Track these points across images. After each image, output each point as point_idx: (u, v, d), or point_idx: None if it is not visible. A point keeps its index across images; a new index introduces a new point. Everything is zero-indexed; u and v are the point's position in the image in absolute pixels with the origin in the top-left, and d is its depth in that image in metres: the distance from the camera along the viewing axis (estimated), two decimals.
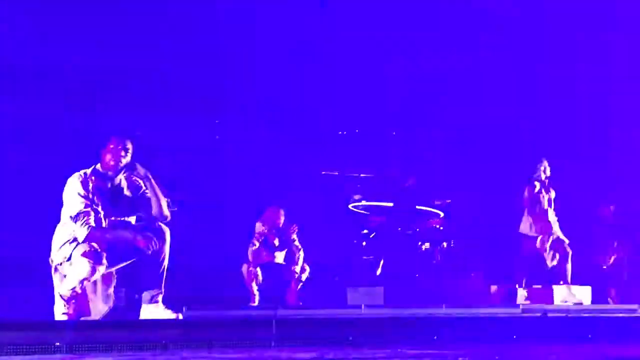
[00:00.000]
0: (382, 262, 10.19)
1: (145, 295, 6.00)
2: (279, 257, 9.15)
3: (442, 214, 10.71)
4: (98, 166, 6.02)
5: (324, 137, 11.37)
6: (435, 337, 5.68)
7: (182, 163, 9.98)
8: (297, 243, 9.07)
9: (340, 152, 11.37)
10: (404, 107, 11.35)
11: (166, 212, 6.02)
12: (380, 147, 11.46)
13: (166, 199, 6.05)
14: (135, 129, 7.97)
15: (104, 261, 5.79)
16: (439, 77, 11.06)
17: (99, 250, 5.77)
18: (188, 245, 8.98)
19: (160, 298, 6.05)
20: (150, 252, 5.83)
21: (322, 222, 10.59)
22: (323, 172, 11.24)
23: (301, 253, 9.02)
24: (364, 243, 10.55)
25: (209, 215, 10.14)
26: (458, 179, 11.20)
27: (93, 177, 5.95)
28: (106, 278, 6.03)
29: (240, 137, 10.89)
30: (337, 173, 11.23)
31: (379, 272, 10.15)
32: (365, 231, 10.60)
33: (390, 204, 10.61)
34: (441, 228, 10.63)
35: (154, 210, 6.00)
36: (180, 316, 5.87)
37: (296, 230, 9.07)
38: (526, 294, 9.07)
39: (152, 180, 6.06)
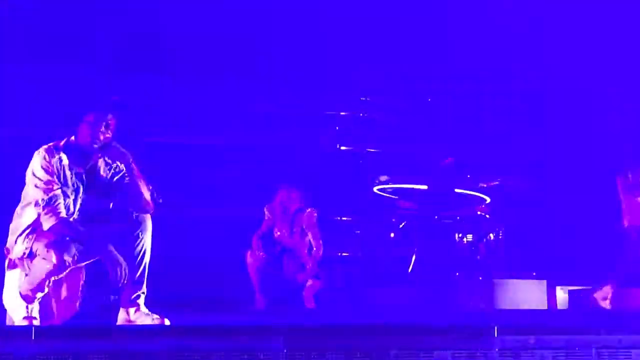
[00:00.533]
0: (413, 257, 10.21)
1: (123, 296, 5.97)
2: (292, 247, 9.13)
3: (488, 199, 10.71)
4: (72, 139, 5.95)
5: (342, 104, 11.36)
6: None
7: (178, 135, 10.28)
8: (314, 232, 9.05)
9: (362, 123, 11.40)
10: (440, 67, 11.28)
11: (147, 202, 5.97)
12: (412, 117, 11.46)
13: (149, 187, 6.02)
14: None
15: (74, 253, 5.70)
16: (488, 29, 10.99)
17: (68, 240, 5.70)
18: (179, 236, 9.43)
19: (141, 300, 5.99)
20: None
21: (339, 208, 10.72)
22: (341, 147, 11.31)
23: (319, 245, 9.02)
24: (391, 234, 10.57)
25: (207, 200, 10.27)
26: (509, 156, 11.23)
27: (63, 154, 5.88)
28: (74, 275, 5.98)
29: (242, 102, 10.97)
30: (358, 148, 11.29)
31: (410, 269, 10.16)
32: (394, 220, 10.63)
33: (424, 187, 10.65)
34: (487, 216, 10.62)
35: (134, 199, 5.95)
36: (167, 322, 5.85)
37: (315, 216, 9.05)
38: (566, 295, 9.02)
39: (134, 165, 6.00)
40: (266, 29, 10.43)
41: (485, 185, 10.74)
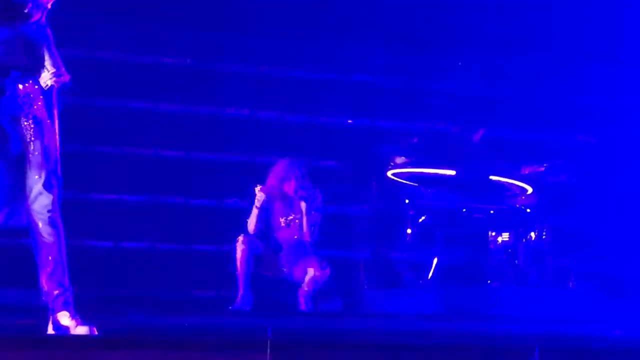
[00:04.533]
0: (435, 259, 9.68)
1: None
2: (287, 235, 8.89)
3: (530, 189, 10.04)
4: None
5: (350, 68, 11.01)
6: None
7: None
8: (314, 219, 8.86)
9: (373, 91, 11.01)
10: (470, 23, 10.78)
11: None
12: (434, 84, 11.14)
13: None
14: None
15: None
16: None
17: None
18: (139, 216, 9.68)
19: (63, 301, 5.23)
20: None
21: (346, 196, 10.45)
22: (349, 121, 10.90)
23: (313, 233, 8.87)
24: (409, 230, 9.94)
25: (182, 174, 10.23)
26: (559, 135, 11.06)
27: None
28: None
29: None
30: (370, 123, 10.93)
31: (430, 274, 9.61)
32: (411, 212, 10.04)
33: (451, 172, 9.96)
34: (528, 210, 9.95)
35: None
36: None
37: (320, 200, 8.89)
38: None
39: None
40: None
41: (527, 172, 10.15)
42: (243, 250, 8.54)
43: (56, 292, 5.21)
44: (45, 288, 5.18)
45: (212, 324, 6.90)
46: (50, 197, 5.18)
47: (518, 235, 9.95)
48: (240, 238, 8.59)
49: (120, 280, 9.11)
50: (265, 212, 8.81)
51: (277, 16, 10.21)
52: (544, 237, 9.97)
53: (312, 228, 8.77)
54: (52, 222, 5.23)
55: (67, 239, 5.37)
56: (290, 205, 8.83)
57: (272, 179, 8.85)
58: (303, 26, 10.30)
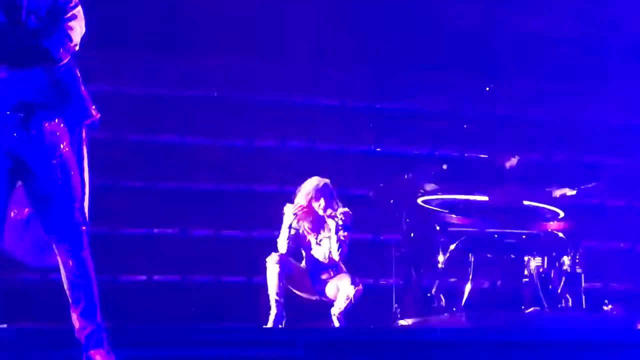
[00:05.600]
0: (468, 285, 9.44)
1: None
2: (318, 254, 8.80)
3: (562, 213, 9.92)
4: None
5: (379, 95, 11.07)
6: None
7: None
8: (345, 238, 8.70)
9: (404, 118, 11.12)
10: (500, 48, 10.94)
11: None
12: (466, 110, 11.17)
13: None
14: None
15: None
16: None
17: None
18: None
19: (97, 338, 5.21)
20: None
21: (377, 224, 10.57)
22: (377, 149, 11.05)
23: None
24: (440, 257, 9.76)
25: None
26: (587, 156, 11.11)
27: None
28: None
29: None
30: (399, 150, 11.10)
31: (463, 301, 9.39)
32: (443, 240, 9.85)
33: (484, 198, 9.87)
34: (561, 235, 9.79)
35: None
36: None
37: (349, 219, 8.74)
38: None
39: None
40: None
41: (560, 195, 10.02)
42: (274, 270, 8.49)
43: (89, 329, 5.20)
44: (78, 325, 5.17)
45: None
46: (79, 235, 5.19)
47: (551, 260, 9.77)
48: (272, 257, 8.54)
49: (154, 314, 9.07)
50: (296, 231, 8.72)
51: (304, 45, 10.28)
52: (577, 261, 9.79)
53: (342, 247, 8.67)
54: (81, 260, 5.22)
55: (98, 274, 5.37)
56: (320, 224, 8.76)
57: (300, 198, 8.79)
58: (332, 54, 10.35)
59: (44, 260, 5.35)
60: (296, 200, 8.74)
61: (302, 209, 8.71)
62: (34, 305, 8.61)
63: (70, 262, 5.14)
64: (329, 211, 8.62)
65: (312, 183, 8.74)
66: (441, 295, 9.69)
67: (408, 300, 9.99)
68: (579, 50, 11.06)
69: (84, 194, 5.27)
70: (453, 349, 6.79)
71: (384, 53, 10.78)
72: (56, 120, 5.19)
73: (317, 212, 8.67)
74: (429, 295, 9.74)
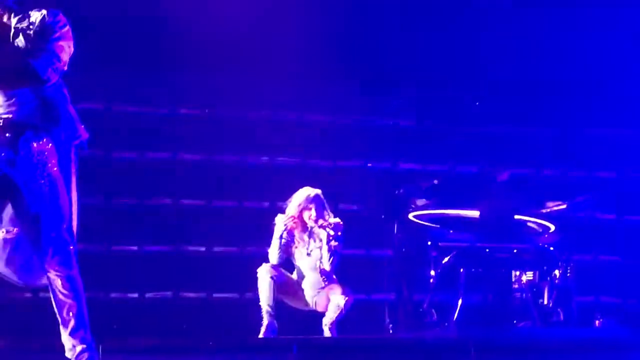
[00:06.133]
0: (460, 301, 9.47)
1: None
2: (309, 264, 8.70)
3: (552, 227, 9.91)
4: None
5: (370, 111, 11.04)
6: None
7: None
8: (336, 248, 8.64)
9: (395, 134, 11.11)
10: (489, 63, 10.83)
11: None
12: (456, 125, 11.14)
13: None
14: None
15: None
16: None
17: None
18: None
19: (88, 357, 5.26)
20: None
21: (369, 239, 10.52)
22: (369, 165, 11.04)
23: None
24: (432, 272, 9.76)
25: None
26: (577, 170, 11.16)
27: None
28: None
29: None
30: (390, 165, 11.08)
31: (455, 316, 9.40)
32: (435, 254, 9.81)
33: (475, 213, 9.87)
34: (552, 249, 9.78)
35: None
36: None
37: (340, 229, 8.67)
38: None
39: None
40: None
41: (550, 209, 9.99)
42: (266, 280, 8.45)
43: (79, 348, 5.19)
44: (68, 345, 5.15)
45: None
46: (67, 254, 5.16)
47: (542, 274, 9.75)
48: (263, 268, 8.51)
49: (146, 330, 8.99)
50: (287, 241, 8.67)
51: (295, 61, 10.18)
52: (568, 275, 9.78)
53: (333, 257, 8.60)
54: (70, 279, 5.19)
55: (90, 292, 5.35)
56: (310, 235, 8.70)
57: (292, 208, 8.75)
58: (322, 70, 10.28)
59: (34, 279, 5.33)
60: (287, 211, 8.68)
61: (293, 220, 8.62)
62: (24, 324, 8.53)
63: (59, 281, 5.11)
64: (320, 222, 8.54)
65: (304, 193, 8.68)
66: (433, 310, 9.62)
67: (400, 315, 9.95)
68: (568, 65, 11.02)
69: (71, 213, 5.26)
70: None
71: (375, 69, 10.75)
72: (44, 140, 5.17)
73: (308, 223, 8.61)
74: (420, 310, 9.66)
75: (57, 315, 5.19)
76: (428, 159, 10.94)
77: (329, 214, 8.67)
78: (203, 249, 10.14)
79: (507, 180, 10.02)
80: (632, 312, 10.20)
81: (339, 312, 8.41)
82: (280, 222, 8.64)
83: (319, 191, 8.73)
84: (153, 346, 8.62)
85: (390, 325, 9.85)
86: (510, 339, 8.82)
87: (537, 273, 9.75)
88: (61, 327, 5.22)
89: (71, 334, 5.16)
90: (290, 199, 8.73)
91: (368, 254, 10.55)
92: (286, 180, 10.01)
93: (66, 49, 5.12)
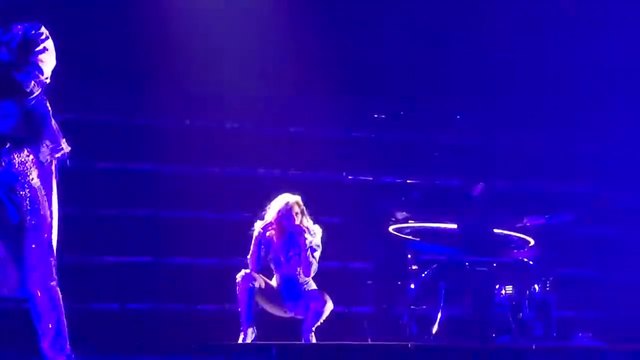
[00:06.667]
0: (439, 314, 9.48)
1: None
2: (289, 271, 8.61)
3: (532, 242, 9.92)
4: None
5: (350, 122, 11.08)
6: None
7: None
8: (315, 255, 8.54)
9: (373, 146, 11.15)
10: (467, 76, 10.90)
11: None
12: (435, 138, 11.26)
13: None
14: None
15: None
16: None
17: None
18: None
19: None
20: None
21: (348, 251, 10.52)
22: (349, 177, 11.06)
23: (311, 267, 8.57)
24: (412, 285, 9.80)
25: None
26: (556, 184, 11.19)
27: None
28: None
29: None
30: (370, 178, 11.12)
31: (435, 329, 9.41)
32: (415, 267, 9.87)
33: (453, 226, 9.85)
34: (531, 262, 9.82)
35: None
36: None
37: (319, 235, 8.59)
38: None
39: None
40: None
41: (528, 224, 9.97)
42: (245, 287, 8.38)
43: (59, 359, 5.19)
44: (48, 356, 5.14)
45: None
46: (47, 266, 5.16)
47: (521, 288, 9.74)
48: (242, 274, 8.42)
49: (126, 342, 9.01)
50: (266, 247, 8.59)
51: (276, 75, 10.24)
52: (547, 289, 9.78)
53: (313, 263, 8.52)
54: (49, 291, 5.17)
55: (71, 303, 5.34)
56: (290, 241, 8.60)
57: (270, 215, 8.66)
58: (304, 83, 10.29)
59: (15, 290, 5.32)
60: (266, 217, 8.61)
61: (272, 226, 8.58)
62: (5, 335, 8.50)
63: (39, 292, 5.10)
64: (299, 228, 8.48)
65: (283, 200, 8.60)
66: (413, 323, 9.63)
67: (380, 327, 9.99)
68: (549, 79, 11.10)
69: (52, 226, 5.27)
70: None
71: (354, 83, 10.78)
72: (26, 151, 5.18)
73: (287, 229, 8.53)
74: (400, 323, 9.68)
75: (37, 327, 5.18)
76: (409, 172, 10.91)
77: (308, 220, 8.58)
78: (184, 260, 10.09)
79: (481, 193, 9.99)
80: (610, 327, 10.17)
81: (318, 318, 8.36)
82: (259, 229, 8.57)
83: (298, 197, 8.64)
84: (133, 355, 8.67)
85: (370, 338, 9.72)
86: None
87: (517, 287, 9.75)
88: (40, 338, 5.19)
89: (51, 346, 5.15)
90: (269, 205, 8.64)
91: (348, 266, 10.53)
92: (267, 192, 10.08)
93: (49, 62, 5.11)
